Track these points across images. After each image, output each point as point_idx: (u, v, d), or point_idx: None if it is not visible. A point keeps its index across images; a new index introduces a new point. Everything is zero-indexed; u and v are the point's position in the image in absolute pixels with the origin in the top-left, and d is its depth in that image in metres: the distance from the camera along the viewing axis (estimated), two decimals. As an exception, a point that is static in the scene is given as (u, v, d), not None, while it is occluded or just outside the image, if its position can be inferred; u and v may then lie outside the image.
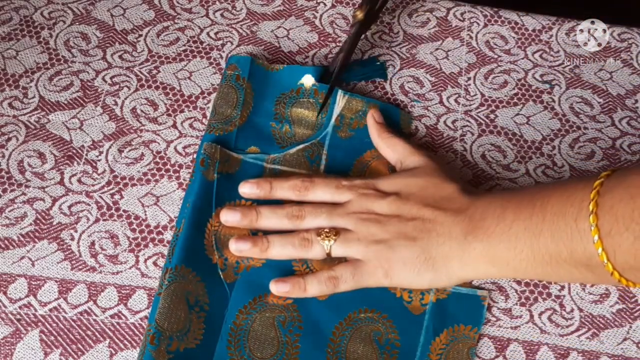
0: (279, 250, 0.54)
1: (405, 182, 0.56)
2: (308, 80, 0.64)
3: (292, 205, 0.56)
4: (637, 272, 0.45)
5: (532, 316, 0.54)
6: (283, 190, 0.57)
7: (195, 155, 0.61)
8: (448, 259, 0.52)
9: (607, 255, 0.45)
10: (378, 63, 0.68)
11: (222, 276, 0.54)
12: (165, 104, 0.64)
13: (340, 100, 0.64)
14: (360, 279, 0.53)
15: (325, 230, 0.54)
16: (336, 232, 0.54)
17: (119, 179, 0.59)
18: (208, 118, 0.63)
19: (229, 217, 0.56)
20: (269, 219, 0.55)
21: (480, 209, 0.52)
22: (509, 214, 0.50)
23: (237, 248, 0.54)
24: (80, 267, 0.55)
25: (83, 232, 0.56)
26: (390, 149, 0.60)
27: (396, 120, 0.64)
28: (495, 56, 0.70)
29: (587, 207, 0.46)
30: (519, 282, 0.56)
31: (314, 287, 0.53)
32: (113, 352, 0.51)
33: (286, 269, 0.55)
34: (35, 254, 0.55)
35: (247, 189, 0.57)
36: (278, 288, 0.53)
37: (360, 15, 0.65)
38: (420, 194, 0.55)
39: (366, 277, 0.53)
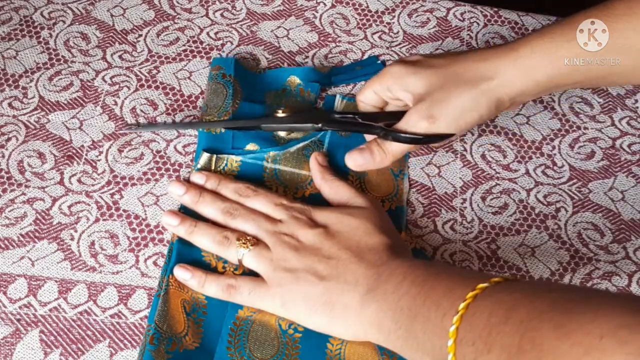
0: (199, 238, 0.54)
1: (339, 218, 0.54)
2: (293, 80, 0.64)
3: (232, 202, 0.56)
4: None
5: (532, 316, 0.54)
6: (227, 189, 0.57)
7: (195, 155, 0.61)
8: (347, 310, 0.49)
9: None
10: (378, 62, 0.68)
11: (221, 276, 0.54)
12: (165, 104, 0.64)
13: (339, 105, 0.64)
14: (256, 299, 0.52)
15: (247, 237, 0.54)
16: (256, 243, 0.53)
17: (118, 179, 0.59)
18: (200, 115, 0.63)
19: (174, 188, 0.57)
20: (206, 206, 0.56)
21: (389, 270, 0.49)
22: (404, 286, 0.47)
23: (165, 221, 0.55)
24: (80, 267, 0.55)
25: (83, 232, 0.56)
26: (333, 191, 0.58)
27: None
28: (495, 56, 0.69)
29: (457, 306, 0.42)
30: (518, 282, 0.55)
31: (212, 288, 0.53)
32: (113, 352, 0.51)
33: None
34: (35, 254, 0.55)
35: (197, 177, 0.58)
36: (179, 273, 0.53)
37: None
38: (347, 235, 0.53)
39: (263, 299, 0.52)
